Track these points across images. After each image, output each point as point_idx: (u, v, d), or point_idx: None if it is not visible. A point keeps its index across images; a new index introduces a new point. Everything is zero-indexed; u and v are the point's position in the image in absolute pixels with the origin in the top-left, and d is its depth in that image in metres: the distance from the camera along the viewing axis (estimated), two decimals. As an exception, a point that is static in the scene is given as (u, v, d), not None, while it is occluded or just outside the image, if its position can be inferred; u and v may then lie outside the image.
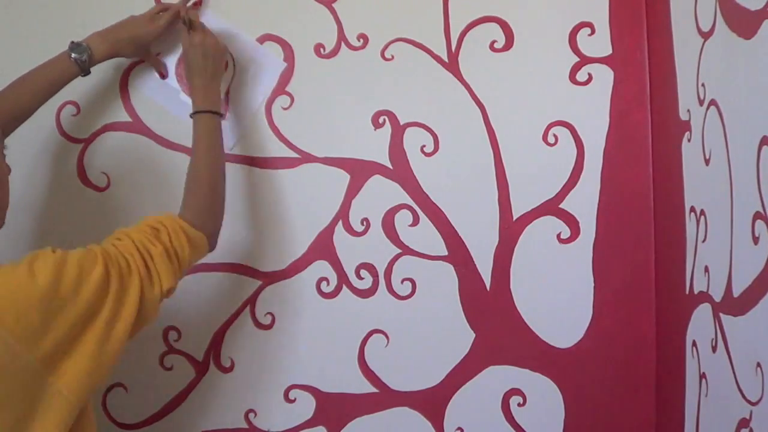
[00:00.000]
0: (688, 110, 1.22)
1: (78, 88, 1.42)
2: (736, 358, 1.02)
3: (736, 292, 1.01)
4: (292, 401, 1.48)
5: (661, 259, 1.40)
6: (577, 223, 1.43)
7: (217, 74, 1.33)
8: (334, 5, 1.45)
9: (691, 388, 1.22)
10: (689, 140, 1.22)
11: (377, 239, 1.45)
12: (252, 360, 1.48)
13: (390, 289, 1.46)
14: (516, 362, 1.45)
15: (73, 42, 1.31)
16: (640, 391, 1.43)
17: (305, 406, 1.48)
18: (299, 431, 1.48)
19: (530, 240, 1.44)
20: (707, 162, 1.13)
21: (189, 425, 1.49)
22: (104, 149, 1.47)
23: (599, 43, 1.42)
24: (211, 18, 1.45)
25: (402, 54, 1.44)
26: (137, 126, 1.47)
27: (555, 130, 1.43)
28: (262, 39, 1.46)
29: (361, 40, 1.45)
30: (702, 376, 1.17)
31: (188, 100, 1.32)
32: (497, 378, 1.46)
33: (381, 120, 1.45)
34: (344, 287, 1.46)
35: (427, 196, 1.45)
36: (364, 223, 1.46)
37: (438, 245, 1.45)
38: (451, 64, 1.44)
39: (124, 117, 1.47)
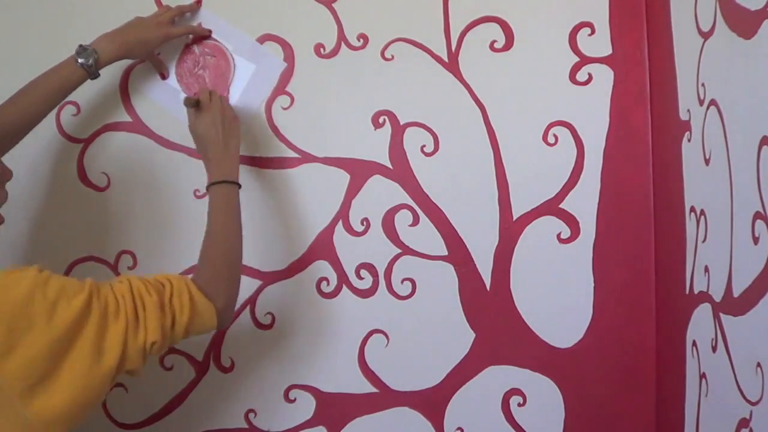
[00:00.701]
0: (688, 110, 1.22)
1: (78, 89, 1.42)
2: (736, 358, 1.02)
3: (736, 292, 1.01)
4: (292, 401, 1.48)
5: (661, 259, 1.40)
6: (577, 223, 1.43)
7: (230, 143, 1.29)
8: (334, 5, 1.45)
9: (691, 388, 1.22)
10: (689, 140, 1.22)
11: (377, 239, 1.45)
12: (252, 360, 1.48)
13: (390, 289, 1.46)
14: (516, 362, 1.45)
15: (80, 46, 1.30)
16: (640, 391, 1.43)
17: (305, 406, 1.48)
18: (299, 431, 1.48)
19: (530, 240, 1.44)
20: (707, 162, 1.13)
21: (189, 425, 1.49)
22: (104, 149, 1.47)
23: (599, 43, 1.42)
24: (210, 18, 1.45)
25: (402, 54, 1.44)
26: (137, 126, 1.47)
27: (555, 130, 1.43)
28: (262, 39, 1.46)
29: (361, 40, 1.45)
30: (702, 376, 1.17)
31: None
32: (497, 378, 1.46)
33: (381, 120, 1.45)
34: (344, 287, 1.46)
35: (427, 196, 1.45)
36: (364, 223, 1.46)
37: (438, 245, 1.45)
38: (451, 64, 1.44)
39: (124, 117, 1.47)
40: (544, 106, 1.43)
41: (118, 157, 1.47)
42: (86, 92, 1.45)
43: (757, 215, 0.95)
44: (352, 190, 1.46)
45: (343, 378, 1.47)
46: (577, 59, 1.42)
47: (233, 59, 1.46)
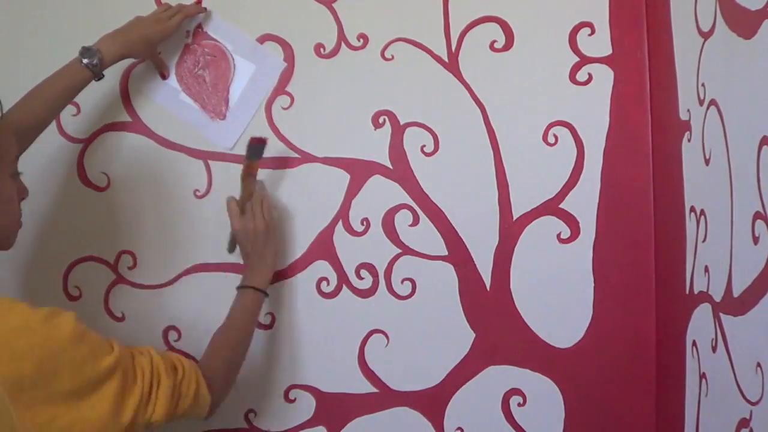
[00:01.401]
0: (688, 110, 1.22)
1: (78, 88, 1.43)
2: (736, 358, 1.02)
3: (736, 292, 1.01)
4: (292, 401, 1.48)
5: (661, 259, 1.40)
6: (577, 223, 1.43)
7: (267, 252, 1.34)
8: (334, 5, 1.45)
9: (691, 388, 1.22)
10: (689, 140, 1.22)
11: (377, 239, 1.45)
12: (252, 360, 1.48)
13: (390, 289, 1.46)
14: (516, 362, 1.45)
15: (83, 47, 1.31)
16: (640, 391, 1.43)
17: (305, 406, 1.48)
18: (299, 431, 1.48)
19: (530, 240, 1.44)
20: (707, 162, 1.13)
21: (189, 425, 1.49)
22: (104, 149, 1.47)
23: (599, 43, 1.42)
24: (210, 18, 1.45)
25: (402, 54, 1.44)
26: (137, 126, 1.47)
27: (555, 130, 1.43)
28: (262, 39, 1.46)
29: (361, 40, 1.45)
30: (702, 376, 1.16)
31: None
32: (497, 378, 1.46)
33: (381, 120, 1.45)
34: (344, 287, 1.46)
35: (427, 196, 1.45)
36: (364, 223, 1.46)
37: (438, 245, 1.45)
38: (451, 64, 1.44)
39: (124, 117, 1.47)
40: (544, 106, 1.43)
41: (118, 157, 1.47)
42: (86, 92, 1.43)
43: (757, 215, 0.95)
44: (352, 190, 1.46)
45: (343, 378, 1.47)
46: (577, 59, 1.42)
47: (233, 59, 1.46)
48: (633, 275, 1.43)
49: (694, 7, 1.16)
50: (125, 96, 1.47)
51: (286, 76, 1.46)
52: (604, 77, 1.42)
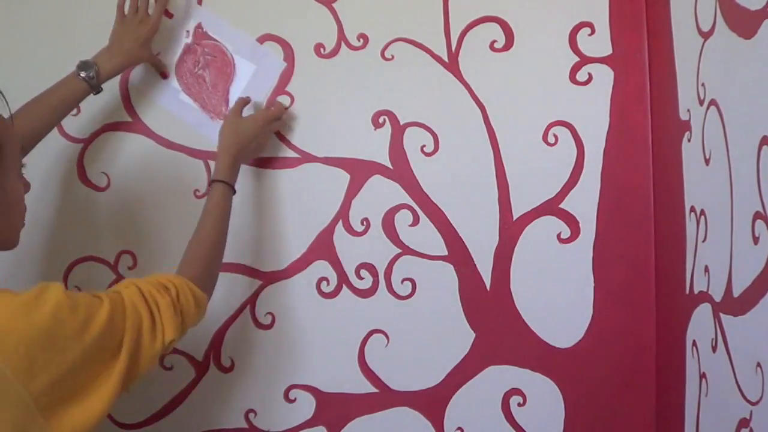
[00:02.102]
0: (688, 110, 1.22)
1: (78, 88, 1.43)
2: (736, 358, 1.02)
3: (736, 292, 1.01)
4: (292, 401, 1.48)
5: (661, 259, 1.40)
6: (577, 223, 1.43)
7: (240, 155, 1.33)
8: (334, 5, 1.45)
9: (691, 388, 1.22)
10: (689, 140, 1.22)
11: (377, 239, 1.45)
12: (252, 360, 1.48)
13: (390, 289, 1.46)
14: (516, 362, 1.45)
15: (81, 61, 1.32)
16: (640, 391, 1.43)
17: (305, 406, 1.48)
18: (299, 431, 1.48)
19: (530, 240, 1.44)
20: (707, 162, 1.13)
21: (189, 425, 1.49)
22: (104, 149, 1.47)
23: (599, 43, 1.42)
24: (210, 18, 1.45)
25: (402, 54, 1.44)
26: (137, 126, 1.47)
27: (555, 130, 1.43)
28: (262, 39, 1.46)
29: (361, 40, 1.45)
30: (702, 376, 1.16)
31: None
32: (497, 378, 1.46)
33: (381, 120, 1.45)
34: (344, 287, 1.46)
35: (427, 196, 1.45)
36: (364, 223, 1.46)
37: (438, 245, 1.45)
38: (451, 64, 1.44)
39: (124, 117, 1.48)
40: (544, 106, 1.43)
41: (118, 157, 1.48)
42: (86, 92, 1.45)
43: (757, 215, 0.95)
44: (352, 190, 1.46)
45: (343, 378, 1.47)
46: (577, 59, 1.42)
47: (233, 59, 1.46)
48: (633, 275, 1.42)
49: (694, 7, 1.16)
50: (125, 96, 1.48)
51: (286, 76, 1.46)
52: (604, 77, 1.42)
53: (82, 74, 1.31)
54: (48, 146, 1.45)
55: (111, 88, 1.46)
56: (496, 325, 1.45)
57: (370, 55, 1.45)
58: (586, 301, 1.44)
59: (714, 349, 1.10)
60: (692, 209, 1.22)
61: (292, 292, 1.47)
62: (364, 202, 1.45)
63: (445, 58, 1.44)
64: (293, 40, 1.46)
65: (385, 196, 1.45)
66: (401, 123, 1.45)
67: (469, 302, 1.45)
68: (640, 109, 1.41)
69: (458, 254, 1.45)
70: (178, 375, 1.48)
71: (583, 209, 1.43)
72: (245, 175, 1.46)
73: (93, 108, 1.47)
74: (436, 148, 1.45)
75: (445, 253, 1.45)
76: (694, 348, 1.21)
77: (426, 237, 1.45)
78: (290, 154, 1.46)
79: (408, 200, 1.45)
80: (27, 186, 1.09)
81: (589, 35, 1.42)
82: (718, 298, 1.09)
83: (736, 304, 1.02)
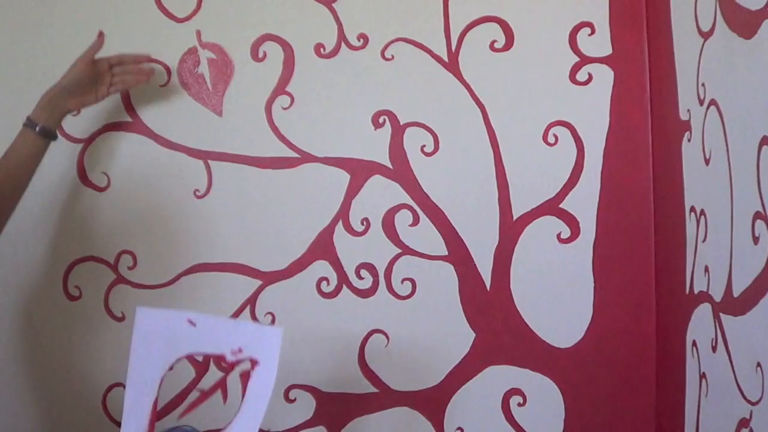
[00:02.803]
0: (688, 110, 1.22)
1: (78, 88, 1.43)
2: (736, 358, 1.02)
3: (736, 292, 1.01)
4: (292, 401, 1.48)
5: (661, 259, 1.40)
6: (577, 223, 1.43)
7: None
8: (334, 5, 1.45)
9: (691, 388, 1.22)
10: (689, 140, 1.22)
11: (377, 239, 1.45)
12: (252, 360, 1.48)
13: (390, 289, 1.46)
14: (516, 362, 1.45)
15: (28, 117, 1.26)
16: (640, 391, 1.43)
17: (305, 406, 1.48)
18: (299, 431, 1.48)
19: (530, 240, 1.44)
20: (707, 162, 1.13)
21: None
22: (104, 149, 1.47)
23: (599, 43, 1.42)
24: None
25: (402, 54, 1.44)
26: (137, 126, 1.47)
27: (555, 130, 1.43)
28: (262, 39, 1.46)
29: (361, 40, 1.45)
30: (702, 376, 1.16)
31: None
32: (497, 378, 1.46)
33: (381, 120, 1.45)
34: (344, 287, 1.46)
35: (427, 196, 1.45)
36: (364, 223, 1.46)
37: (438, 245, 1.45)
38: (451, 64, 1.44)
39: (124, 117, 1.47)
40: (544, 106, 1.43)
41: (118, 157, 1.47)
42: (86, 92, 1.44)
43: (757, 215, 0.95)
44: (352, 190, 1.46)
45: (343, 378, 1.47)
46: (577, 59, 1.42)
47: (231, 61, 1.45)
48: (633, 275, 1.42)
49: (694, 7, 1.16)
50: (125, 96, 1.47)
51: (286, 76, 1.46)
52: (604, 77, 1.42)
53: (36, 128, 1.24)
54: (48, 146, 1.45)
55: (111, 88, 1.46)
56: (496, 325, 1.45)
57: (370, 55, 1.45)
58: (586, 301, 1.44)
59: (714, 349, 1.10)
60: (692, 209, 1.21)
61: (292, 292, 1.47)
62: (364, 202, 1.45)
63: (445, 58, 1.44)
64: (293, 40, 1.46)
65: (385, 196, 1.45)
66: (401, 123, 1.45)
67: (469, 302, 1.45)
68: (640, 109, 1.41)
69: (458, 254, 1.45)
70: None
71: (583, 209, 1.43)
72: (245, 175, 1.46)
73: (93, 108, 1.46)
74: (436, 148, 1.45)
75: (445, 253, 1.45)
76: (694, 348, 1.20)
77: (426, 237, 1.45)
78: (290, 154, 1.46)
79: (408, 200, 1.45)
80: None
81: (589, 35, 1.42)
82: (718, 298, 1.09)
83: (736, 304, 1.02)
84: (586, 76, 1.42)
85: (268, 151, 1.46)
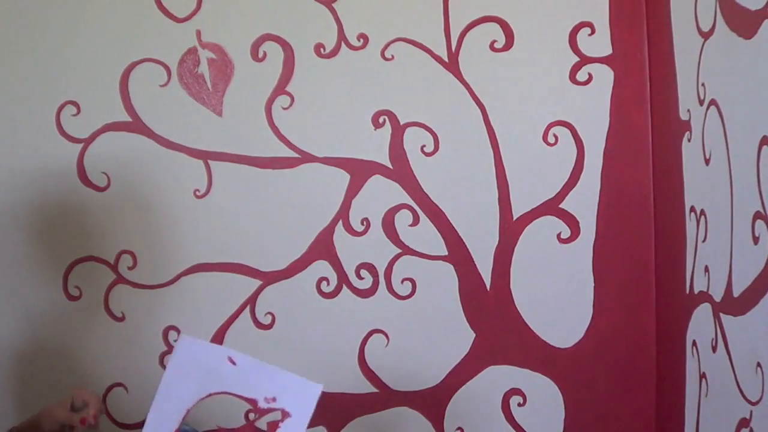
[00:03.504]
0: (688, 110, 1.22)
1: (78, 88, 1.43)
2: (736, 358, 1.02)
3: (736, 292, 1.01)
4: (292, 401, 1.48)
5: (661, 259, 1.40)
6: (577, 222, 1.43)
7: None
8: (334, 5, 1.44)
9: (691, 388, 1.22)
10: (689, 140, 1.22)
11: (377, 239, 1.45)
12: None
13: (390, 289, 1.46)
14: (516, 362, 1.45)
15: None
16: (640, 391, 1.43)
17: (305, 406, 1.48)
18: (299, 431, 1.48)
19: (530, 240, 1.44)
20: (707, 162, 1.13)
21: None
22: (104, 149, 1.47)
23: (599, 43, 1.42)
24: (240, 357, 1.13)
25: (402, 54, 1.44)
26: (137, 126, 1.47)
27: (555, 130, 1.43)
28: (262, 39, 1.46)
29: (361, 40, 1.45)
30: (702, 376, 1.16)
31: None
32: (497, 378, 1.46)
33: (381, 120, 1.45)
34: (344, 287, 1.46)
35: (427, 196, 1.45)
36: (364, 223, 1.46)
37: (438, 245, 1.45)
38: (451, 64, 1.44)
39: (124, 117, 1.47)
40: (544, 106, 1.43)
41: (118, 157, 1.47)
42: (86, 92, 1.44)
43: (757, 215, 0.95)
44: (352, 190, 1.46)
45: (343, 378, 1.47)
46: (577, 59, 1.42)
47: (230, 60, 1.46)
48: (633, 275, 1.42)
49: (694, 7, 1.16)
50: (125, 96, 1.47)
51: (286, 76, 1.46)
52: (604, 77, 1.42)
53: None
54: (48, 146, 1.45)
55: (111, 88, 1.46)
56: (496, 325, 1.45)
57: (370, 55, 1.45)
58: (586, 301, 1.44)
59: (714, 349, 1.10)
60: (692, 209, 1.22)
61: (292, 292, 1.47)
62: (364, 202, 1.45)
63: (445, 58, 1.44)
64: (293, 40, 1.45)
65: (385, 196, 1.45)
66: (401, 123, 1.45)
67: (469, 302, 1.45)
68: (640, 109, 1.41)
69: (458, 254, 1.45)
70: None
71: (583, 209, 1.43)
72: (245, 175, 1.45)
73: (93, 108, 1.47)
74: (436, 148, 1.45)
75: (445, 253, 1.45)
76: (694, 348, 1.21)
77: (426, 237, 1.45)
78: (290, 154, 1.46)
79: (408, 200, 1.45)
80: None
81: (589, 35, 1.42)
82: (718, 298, 1.09)
83: (736, 304, 1.02)
84: (586, 76, 1.42)
85: (268, 151, 1.46)
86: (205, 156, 1.47)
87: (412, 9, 1.44)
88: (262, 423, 1.04)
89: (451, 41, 1.44)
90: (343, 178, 1.46)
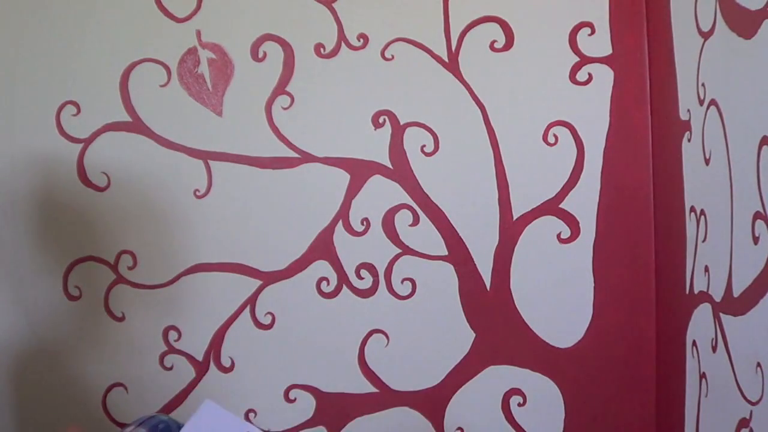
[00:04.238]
0: (688, 110, 1.22)
1: (78, 88, 1.43)
2: (736, 358, 1.02)
3: (736, 292, 1.01)
4: (292, 401, 1.48)
5: (661, 259, 1.40)
6: (577, 223, 1.43)
7: None
8: (334, 5, 1.45)
9: (691, 388, 1.22)
10: (689, 140, 1.22)
11: (377, 239, 1.45)
12: (252, 360, 1.48)
13: (390, 289, 1.46)
14: (516, 362, 1.45)
15: None
16: (640, 391, 1.43)
17: (305, 406, 1.48)
18: (299, 431, 1.48)
19: (530, 240, 1.44)
20: (707, 162, 1.13)
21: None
22: (104, 149, 1.47)
23: (599, 43, 1.42)
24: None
25: (402, 54, 1.44)
26: (137, 126, 1.47)
27: (555, 130, 1.43)
28: (262, 39, 1.46)
29: (361, 40, 1.45)
30: (702, 376, 1.17)
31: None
32: (497, 378, 1.46)
33: (381, 120, 1.45)
34: (344, 287, 1.46)
35: (427, 196, 1.45)
36: (364, 223, 1.46)
37: (438, 245, 1.45)
38: (451, 64, 1.44)
39: (124, 117, 1.47)
40: (544, 106, 1.43)
41: (118, 157, 1.47)
42: (86, 92, 1.45)
43: (757, 215, 0.95)
44: (352, 190, 1.46)
45: (343, 378, 1.47)
46: (577, 59, 1.42)
47: (231, 60, 1.46)
48: (633, 275, 1.43)
49: (694, 7, 1.16)
50: (125, 96, 1.47)
51: (286, 76, 1.46)
52: (604, 77, 1.42)
53: None
54: (48, 146, 1.45)
55: (111, 88, 1.46)
56: (496, 325, 1.45)
57: (370, 55, 1.45)
58: (586, 301, 1.44)
59: (714, 349, 1.10)
60: (692, 209, 1.22)
61: (292, 292, 1.47)
62: (364, 202, 1.45)
63: (445, 58, 1.44)
64: (293, 40, 1.46)
65: (385, 196, 1.45)
66: (401, 123, 1.45)
67: (469, 302, 1.45)
68: (640, 109, 1.41)
69: (458, 254, 1.45)
70: (178, 375, 1.48)
71: (583, 209, 1.43)
72: (245, 175, 1.45)
73: (93, 108, 1.47)
74: (436, 148, 1.45)
75: (445, 253, 1.45)
76: (694, 348, 1.21)
77: (426, 237, 1.45)
78: (290, 154, 1.46)
79: (408, 200, 1.45)
80: None
81: (589, 35, 1.42)
82: (718, 298, 1.09)
83: (736, 304, 1.02)
84: (586, 76, 1.42)
85: (268, 151, 1.46)
86: (205, 156, 1.47)
87: (412, 9, 1.44)
88: None
89: (451, 41, 1.44)
90: (343, 178, 1.46)
